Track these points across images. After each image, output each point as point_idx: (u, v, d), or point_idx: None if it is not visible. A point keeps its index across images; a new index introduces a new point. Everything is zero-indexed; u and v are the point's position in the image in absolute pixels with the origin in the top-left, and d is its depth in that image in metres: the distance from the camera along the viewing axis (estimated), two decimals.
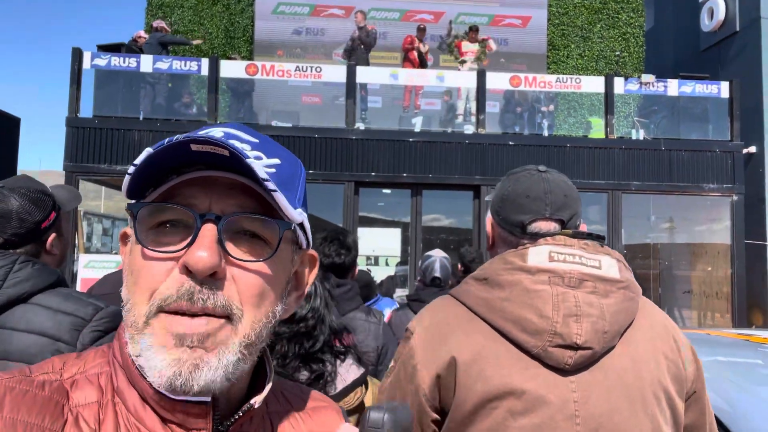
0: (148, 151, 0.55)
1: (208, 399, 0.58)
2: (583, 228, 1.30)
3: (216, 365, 0.56)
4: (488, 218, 1.37)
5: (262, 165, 0.58)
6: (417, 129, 9.54)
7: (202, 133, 0.59)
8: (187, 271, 0.55)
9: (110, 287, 2.64)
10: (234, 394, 0.63)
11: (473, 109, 9.61)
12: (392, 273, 9.48)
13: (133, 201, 0.59)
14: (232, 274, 0.57)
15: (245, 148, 0.59)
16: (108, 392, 0.60)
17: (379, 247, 9.67)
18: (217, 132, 0.61)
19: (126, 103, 9.39)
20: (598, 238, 1.25)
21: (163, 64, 9.18)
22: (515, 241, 1.27)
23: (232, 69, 9.56)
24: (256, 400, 0.62)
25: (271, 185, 0.56)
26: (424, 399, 1.16)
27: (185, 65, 9.33)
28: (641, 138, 9.79)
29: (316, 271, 0.70)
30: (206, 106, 9.18)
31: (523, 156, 9.11)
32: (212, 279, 0.56)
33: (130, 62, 9.06)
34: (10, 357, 1.44)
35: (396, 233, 9.83)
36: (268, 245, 0.60)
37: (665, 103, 10.13)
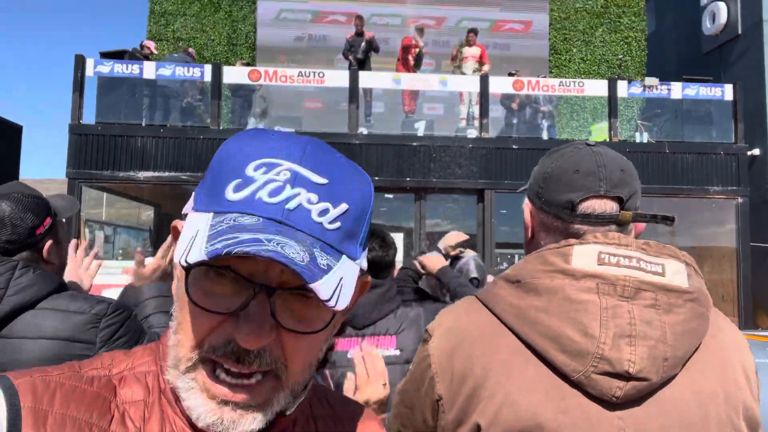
0: (201, 257, 0.50)
1: None
2: None
3: (262, 418, 0.57)
4: (526, 205, 1.13)
5: (327, 221, 0.56)
6: (420, 133, 9.52)
7: (265, 172, 0.56)
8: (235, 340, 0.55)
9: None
10: None
11: (476, 114, 9.60)
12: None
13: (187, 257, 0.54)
14: (280, 337, 0.56)
15: (311, 200, 0.56)
16: (155, 392, 0.61)
17: None
18: (283, 171, 0.56)
19: (129, 110, 9.40)
20: (665, 219, 1.04)
21: (166, 71, 9.19)
22: (562, 226, 1.03)
23: (234, 75, 9.57)
24: (288, 410, 0.61)
25: (332, 303, 0.52)
26: (438, 421, 1.00)
27: (188, 71, 9.33)
28: (645, 141, 9.77)
29: (364, 291, 0.67)
30: (209, 112, 9.18)
31: (527, 159, 9.09)
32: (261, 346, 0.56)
33: (133, 69, 9.07)
34: (22, 367, 1.40)
35: (399, 239, 9.79)
36: (322, 306, 0.55)
37: (669, 106, 10.11)
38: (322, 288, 0.51)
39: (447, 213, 10.05)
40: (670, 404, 0.89)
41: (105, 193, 10.09)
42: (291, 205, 0.55)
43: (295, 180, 0.56)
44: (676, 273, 0.93)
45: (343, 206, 0.58)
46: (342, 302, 0.53)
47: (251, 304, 0.53)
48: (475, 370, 0.94)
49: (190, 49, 10.72)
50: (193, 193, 0.62)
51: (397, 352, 2.19)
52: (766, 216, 10.37)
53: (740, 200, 9.30)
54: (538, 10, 13.44)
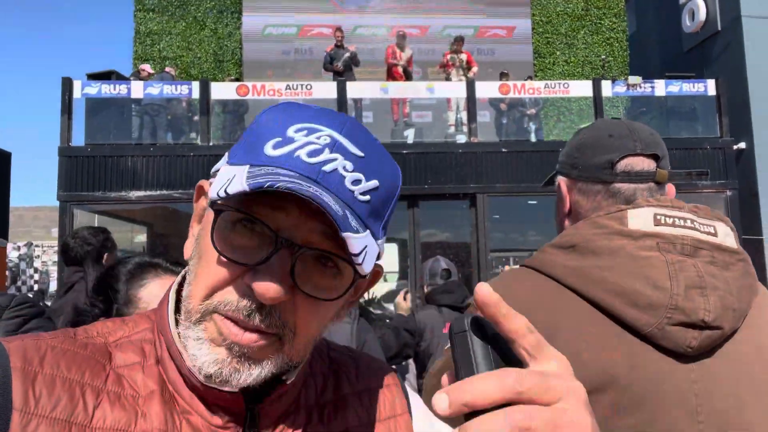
0: (243, 188, 0.51)
1: (236, 389, 0.58)
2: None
3: (257, 374, 0.56)
4: (560, 181, 1.13)
5: (359, 192, 0.57)
6: (409, 141, 9.58)
7: (306, 135, 0.57)
8: (251, 291, 0.54)
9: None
10: None
11: (464, 119, 9.68)
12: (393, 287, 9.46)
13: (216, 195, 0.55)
14: (295, 300, 0.56)
15: (347, 167, 0.56)
16: (151, 357, 0.61)
17: None
18: (324, 135, 0.57)
19: (118, 130, 9.41)
20: (699, 174, 1.09)
21: (154, 90, 9.21)
22: (603, 188, 1.04)
23: (223, 91, 9.61)
24: (289, 377, 0.61)
25: (359, 259, 0.53)
26: None
27: (176, 89, 9.36)
28: None
29: (377, 281, 0.67)
30: (199, 128, 9.19)
31: (517, 162, 9.16)
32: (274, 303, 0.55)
33: (121, 89, 9.09)
34: None
35: (393, 249, 9.80)
36: (340, 274, 0.57)
37: (653, 104, 10.24)
38: (353, 241, 0.52)
39: (440, 220, 10.08)
40: (735, 357, 0.90)
41: (97, 216, 10.05)
42: (327, 168, 0.55)
43: (334, 146, 0.57)
44: (726, 235, 0.97)
45: (374, 182, 0.58)
46: (367, 265, 0.54)
47: (273, 257, 0.53)
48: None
49: (168, 69, 10.74)
50: (228, 151, 0.62)
51: None
52: (755, 208, 10.48)
53: (729, 193, 9.40)
54: (521, 16, 13.61)
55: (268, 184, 0.50)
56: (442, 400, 0.40)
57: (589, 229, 0.97)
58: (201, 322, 0.56)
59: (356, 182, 0.57)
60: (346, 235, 0.51)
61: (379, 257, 0.61)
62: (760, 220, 10.41)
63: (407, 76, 10.23)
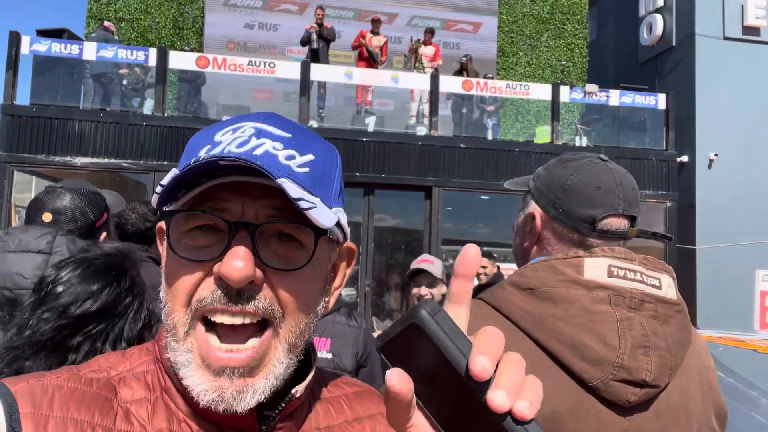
0: (174, 172, 0.54)
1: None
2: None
3: (263, 387, 0.56)
4: (534, 210, 1.14)
5: (295, 165, 0.58)
6: (370, 129, 9.57)
7: (231, 134, 0.59)
8: (222, 281, 0.55)
9: None
10: None
11: (426, 111, 9.73)
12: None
13: (165, 207, 0.59)
14: (269, 280, 0.57)
15: (276, 147, 0.58)
16: (156, 389, 0.61)
17: None
18: (248, 128, 0.60)
19: (66, 92, 8.95)
20: (663, 237, 1.14)
21: (108, 53, 8.81)
22: (578, 239, 1.08)
23: (181, 60, 9.29)
24: (298, 390, 0.62)
25: (304, 204, 0.54)
26: None
27: (131, 54, 8.99)
28: (584, 145, 10.20)
29: (353, 263, 0.70)
30: (153, 97, 8.88)
31: (474, 158, 9.31)
32: (250, 286, 0.55)
33: (72, 49, 8.64)
34: None
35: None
36: (303, 247, 0.59)
37: (606, 113, 10.59)
38: (288, 186, 0.53)
39: (395, 208, 10.15)
40: (664, 406, 0.97)
41: (35, 178, 9.56)
42: (258, 152, 0.57)
43: (260, 134, 0.59)
44: (669, 286, 1.03)
45: (310, 156, 0.60)
46: (321, 215, 0.55)
47: (233, 242, 0.54)
48: None
49: (107, 23, 9.98)
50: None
51: (329, 356, 2.29)
52: (691, 219, 11.04)
53: (669, 204, 9.87)
54: (488, 13, 13.72)
55: (193, 160, 0.53)
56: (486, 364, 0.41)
57: (547, 273, 1.01)
58: (187, 336, 0.56)
59: (290, 158, 0.59)
60: (281, 180, 0.53)
61: (340, 225, 0.63)
62: (694, 231, 11.00)
63: (371, 57, 10.06)
